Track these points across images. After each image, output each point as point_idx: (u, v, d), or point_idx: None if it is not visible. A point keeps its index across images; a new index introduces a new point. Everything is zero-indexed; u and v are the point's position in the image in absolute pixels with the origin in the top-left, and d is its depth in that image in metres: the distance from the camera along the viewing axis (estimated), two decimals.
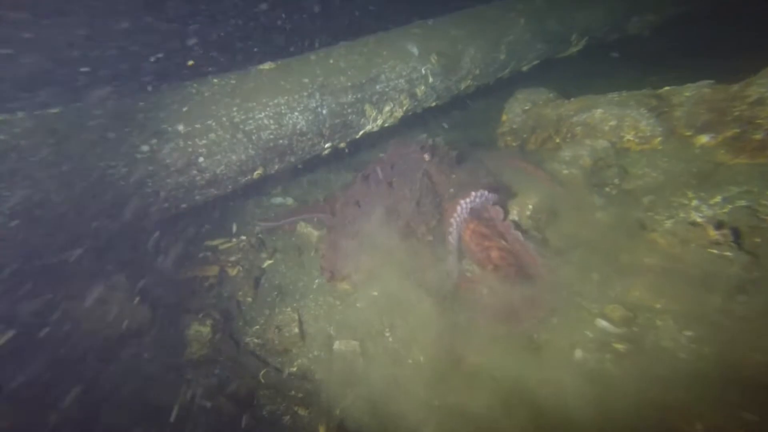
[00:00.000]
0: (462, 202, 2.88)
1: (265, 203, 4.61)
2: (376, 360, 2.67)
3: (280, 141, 3.60)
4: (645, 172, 2.65)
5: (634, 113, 2.81)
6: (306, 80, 3.76)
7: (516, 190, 3.21)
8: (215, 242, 3.95)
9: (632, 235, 2.37)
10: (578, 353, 2.05)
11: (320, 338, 3.02)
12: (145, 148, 3.05)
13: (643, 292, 2.10)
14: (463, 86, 4.70)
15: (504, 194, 3.37)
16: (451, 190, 3.62)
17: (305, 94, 3.70)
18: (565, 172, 2.81)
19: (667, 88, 2.84)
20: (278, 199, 4.64)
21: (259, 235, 3.97)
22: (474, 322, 2.52)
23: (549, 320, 2.27)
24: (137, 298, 3.25)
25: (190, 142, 3.21)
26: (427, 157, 3.76)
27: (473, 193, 2.82)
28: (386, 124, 4.36)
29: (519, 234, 2.50)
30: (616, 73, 5.58)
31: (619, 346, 2.00)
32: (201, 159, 3.27)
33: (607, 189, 2.65)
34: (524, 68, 5.20)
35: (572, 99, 3.56)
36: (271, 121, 3.52)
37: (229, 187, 3.60)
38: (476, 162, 4.09)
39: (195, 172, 3.29)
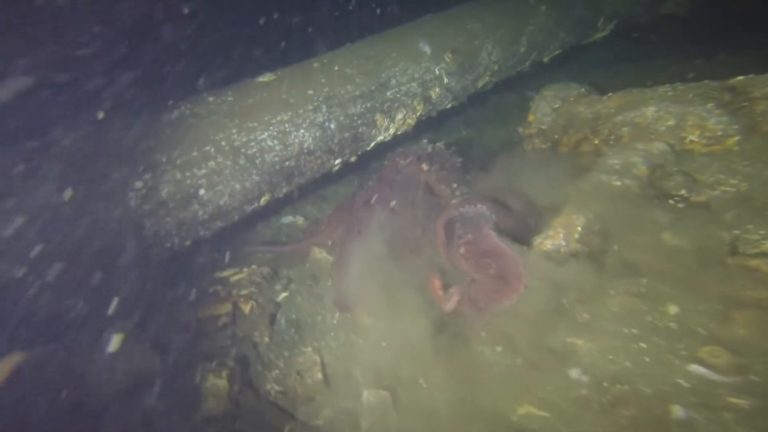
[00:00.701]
0: (440, 222, 2.65)
1: (274, 224, 4.22)
2: (411, 415, 2.27)
3: (287, 163, 3.18)
4: (719, 179, 2.16)
5: (699, 110, 2.31)
6: (310, 92, 3.32)
7: (556, 205, 2.74)
8: (225, 273, 3.57)
9: (718, 260, 1.90)
10: (677, 411, 1.61)
11: (346, 385, 2.63)
12: (138, 184, 2.66)
13: (752, 331, 1.64)
14: (480, 84, 4.20)
15: (532, 211, 2.92)
16: (454, 200, 3.23)
17: (310, 107, 3.27)
18: (617, 183, 2.33)
19: (741, 78, 2.33)
20: (288, 218, 4.24)
21: (269, 265, 3.58)
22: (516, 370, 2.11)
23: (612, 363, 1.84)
24: (146, 345, 2.90)
25: (188, 174, 2.81)
26: (425, 167, 3.35)
27: (459, 209, 2.58)
28: (399, 132, 3.90)
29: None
30: (646, 58, 4.98)
31: (740, 402, 1.54)
32: (202, 191, 2.88)
33: (672, 202, 2.17)
34: (545, 60, 4.65)
35: (609, 94, 3.05)
36: (275, 142, 3.10)
37: (236, 217, 3.21)
38: (491, 170, 3.66)
39: (196, 206, 2.90)
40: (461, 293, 2.61)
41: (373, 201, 3.29)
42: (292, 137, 3.18)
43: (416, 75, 3.76)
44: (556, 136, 3.36)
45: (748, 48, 4.30)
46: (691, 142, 2.34)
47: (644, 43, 5.33)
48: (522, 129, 4.65)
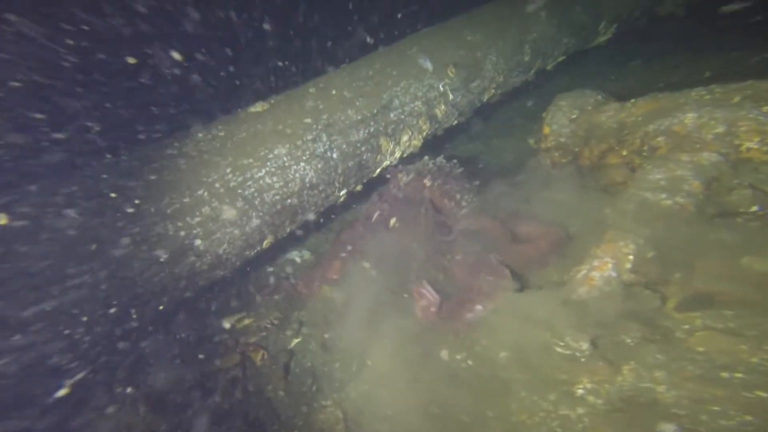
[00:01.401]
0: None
1: (279, 260, 3.86)
2: None
3: (289, 201, 2.84)
4: None
5: (754, 114, 1.97)
6: (308, 120, 3.00)
7: (589, 229, 2.38)
8: (231, 319, 3.21)
9: None
10: None
11: None
12: (124, 241, 2.32)
13: None
14: (486, 97, 3.88)
15: (561, 239, 2.57)
16: (463, 211, 2.95)
17: (309, 137, 2.94)
18: (668, 202, 1.98)
19: None
20: (294, 254, 3.88)
21: (278, 307, 3.21)
22: None
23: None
24: (144, 408, 2.54)
25: (180, 224, 2.48)
26: (427, 182, 3.08)
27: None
28: (405, 155, 3.57)
29: None
30: (651, 59, 4.65)
31: None
32: (197, 242, 2.54)
33: (741, 221, 1.82)
34: (549, 67, 4.34)
35: (633, 101, 2.71)
36: (275, 179, 2.77)
37: (237, 263, 2.87)
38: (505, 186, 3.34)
39: (193, 258, 2.56)
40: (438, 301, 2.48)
41: (373, 219, 3.01)
42: (293, 172, 2.85)
43: (419, 93, 3.44)
44: (576, 149, 3.02)
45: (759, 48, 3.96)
46: (749, 150, 1.99)
47: (647, 44, 5.01)
48: (533, 141, 4.33)
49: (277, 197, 2.79)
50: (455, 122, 3.85)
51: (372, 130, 3.21)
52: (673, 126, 2.24)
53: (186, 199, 2.50)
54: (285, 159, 2.84)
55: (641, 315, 1.77)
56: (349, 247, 3.15)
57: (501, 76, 3.87)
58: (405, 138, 3.42)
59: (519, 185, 3.13)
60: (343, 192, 3.18)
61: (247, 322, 3.21)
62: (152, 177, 2.46)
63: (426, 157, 3.17)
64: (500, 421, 1.90)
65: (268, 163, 2.79)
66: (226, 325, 3.12)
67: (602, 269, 1.91)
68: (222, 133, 2.80)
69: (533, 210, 2.87)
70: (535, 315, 2.32)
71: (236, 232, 2.63)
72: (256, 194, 2.70)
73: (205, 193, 2.55)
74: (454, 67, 3.60)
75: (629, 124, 2.57)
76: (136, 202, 2.34)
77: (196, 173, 2.58)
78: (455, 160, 3.08)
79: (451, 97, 3.60)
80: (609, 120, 2.90)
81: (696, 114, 2.15)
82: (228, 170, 2.66)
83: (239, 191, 2.65)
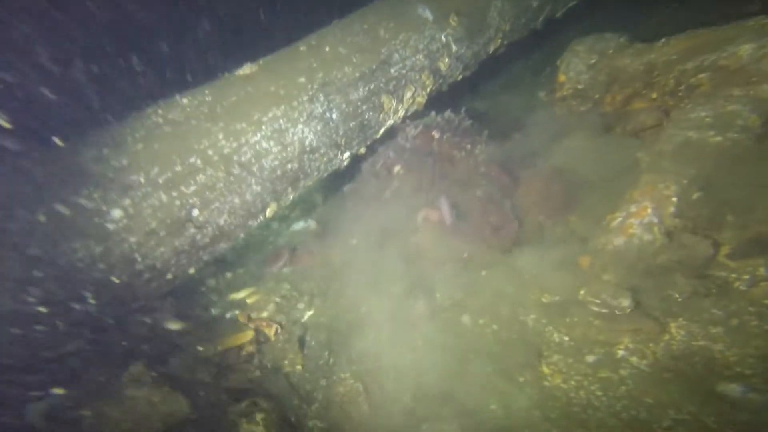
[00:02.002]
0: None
1: (285, 231, 3.63)
2: None
3: (289, 165, 2.58)
4: None
5: None
6: (302, 79, 2.69)
7: (618, 175, 2.09)
8: (241, 294, 3.02)
9: None
10: None
11: (399, 416, 2.06)
12: (116, 213, 2.08)
13: None
14: (492, 48, 3.51)
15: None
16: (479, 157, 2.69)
17: (305, 98, 2.65)
18: (716, 139, 1.69)
19: None
20: (300, 224, 3.65)
21: (287, 280, 3.01)
22: None
23: None
24: (166, 387, 2.37)
25: (174, 193, 2.24)
26: (435, 134, 2.81)
27: None
28: (409, 113, 3.25)
29: None
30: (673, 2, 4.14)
31: None
32: (195, 212, 2.29)
33: None
34: (558, 14, 3.91)
35: (664, 40, 2.36)
36: (272, 143, 2.50)
37: (241, 234, 2.63)
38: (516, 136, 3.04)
39: (193, 230, 2.32)
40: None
41: (378, 167, 2.77)
42: (290, 135, 2.58)
43: (420, 46, 3.09)
44: (597, 96, 2.69)
45: None
46: None
47: None
48: (543, 94, 3.97)
49: (276, 163, 2.53)
50: (460, 77, 3.50)
51: (372, 87, 2.89)
52: (721, 60, 1.92)
53: (178, 168, 2.25)
54: (281, 122, 2.56)
55: (691, 265, 1.53)
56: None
57: (507, 24, 3.48)
58: (408, 95, 3.09)
59: (533, 136, 2.84)
60: (346, 155, 2.91)
61: (257, 297, 3.02)
62: (139, 146, 2.19)
63: (433, 113, 2.87)
64: (532, 386, 1.71)
65: (264, 127, 2.51)
66: (235, 297, 2.93)
67: (641, 215, 1.65)
68: (209, 98, 2.51)
69: (552, 160, 2.59)
70: (559, 272, 2.09)
71: (236, 200, 2.38)
72: (253, 160, 2.44)
73: (198, 161, 2.29)
74: (456, 16, 3.21)
75: (661, 65, 2.25)
76: (124, 171, 2.08)
77: (185, 140, 2.31)
78: (463, 113, 2.79)
79: (454, 48, 3.24)
80: (635, 62, 2.56)
81: (755, 44, 1.82)
82: (220, 136, 2.39)
83: (235, 158, 2.38)
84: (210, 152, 2.35)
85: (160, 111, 2.39)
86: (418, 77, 3.16)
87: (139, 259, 2.24)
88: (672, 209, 1.58)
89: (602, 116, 2.65)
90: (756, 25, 1.96)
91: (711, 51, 1.99)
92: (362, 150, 3.10)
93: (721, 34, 2.07)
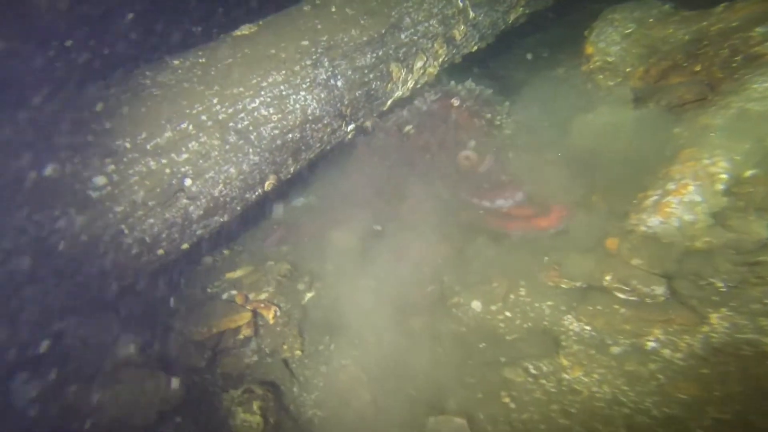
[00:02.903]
0: None
1: (284, 207, 3.42)
2: None
3: (289, 135, 2.36)
4: None
5: None
6: (305, 42, 2.44)
7: (659, 153, 1.86)
8: (237, 273, 2.85)
9: None
10: None
11: (402, 407, 1.91)
12: (100, 180, 1.88)
13: None
14: (512, 17, 3.22)
15: None
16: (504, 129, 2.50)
17: (308, 62, 2.40)
18: None
19: None
20: (300, 200, 3.43)
21: (286, 258, 2.83)
22: None
23: None
24: (159, 372, 2.22)
25: (164, 161, 2.03)
26: (455, 102, 2.60)
27: None
28: (419, 85, 3.00)
29: None
30: None
31: None
32: (188, 182, 2.09)
33: None
34: None
35: (723, 5, 2.10)
36: (271, 110, 2.27)
37: (238, 208, 2.43)
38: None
39: (185, 200, 2.13)
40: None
41: (389, 124, 2.57)
42: (292, 102, 2.34)
43: (434, 10, 2.81)
44: (628, 69, 2.42)
45: None
46: None
47: None
48: (563, 70, 3.68)
49: (276, 131, 2.30)
50: (475, 47, 3.22)
51: (381, 53, 2.64)
52: None
53: (168, 134, 2.03)
54: (282, 87, 2.32)
55: (739, 250, 1.34)
56: None
57: None
58: (419, 64, 2.83)
59: (555, 111, 2.59)
60: (351, 127, 2.67)
61: (255, 277, 2.85)
62: (123, 108, 1.97)
63: (452, 82, 2.65)
64: (549, 379, 1.54)
65: (263, 93, 2.27)
66: (231, 276, 2.76)
67: (681, 192, 1.44)
68: (203, 60, 2.27)
69: (572, 140, 2.37)
70: (581, 255, 1.90)
71: (232, 170, 2.17)
72: (251, 128, 2.21)
73: (190, 127, 2.08)
74: None
75: (713, 33, 1.98)
76: (107, 135, 1.87)
77: (176, 104, 2.09)
78: (483, 85, 2.56)
79: (471, 15, 2.96)
80: (679, 32, 2.29)
81: None
82: (215, 101, 2.16)
83: (230, 124, 2.16)
84: (203, 117, 2.12)
85: (147, 72, 2.15)
86: (430, 45, 2.89)
87: (126, 231, 2.05)
88: (720, 187, 1.38)
89: (633, 91, 2.39)
90: None
91: None
92: (368, 123, 2.88)
93: None
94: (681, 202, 1.57)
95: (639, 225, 1.64)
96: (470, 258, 2.31)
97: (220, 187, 2.24)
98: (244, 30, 2.43)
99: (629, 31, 2.47)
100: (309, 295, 2.61)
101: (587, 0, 4.06)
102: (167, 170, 2.05)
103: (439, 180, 2.41)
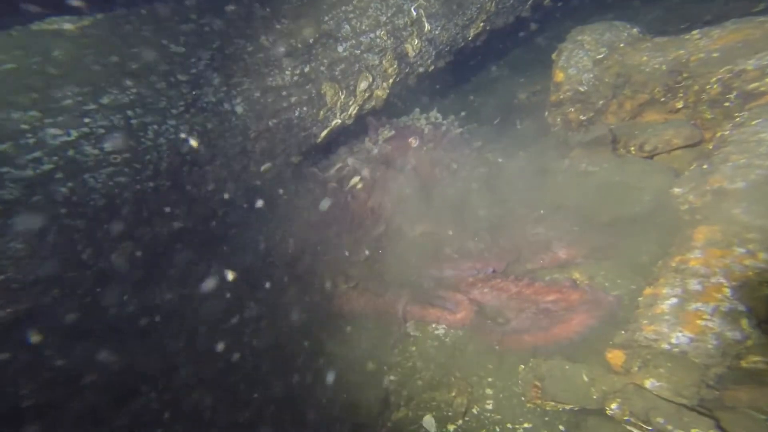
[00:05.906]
0: None
1: None
2: None
3: None
4: None
5: None
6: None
7: (659, 227, 1.29)
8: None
9: None
10: None
11: None
12: None
13: None
14: (472, 33, 2.61)
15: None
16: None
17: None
18: None
19: None
20: None
21: None
22: None
23: None
24: None
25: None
26: (413, 142, 2.02)
27: None
28: (364, 110, 2.30)
29: None
30: None
31: None
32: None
33: None
34: (546, 0, 3.08)
35: (695, 32, 1.64)
36: None
37: None
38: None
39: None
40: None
41: (329, 174, 1.94)
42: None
43: (383, 18, 2.12)
44: (601, 102, 1.91)
45: None
46: None
47: None
48: (524, 96, 3.16)
49: None
50: (431, 68, 2.58)
51: (306, 69, 1.90)
52: None
53: None
54: None
55: None
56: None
57: (492, 2, 2.59)
58: (363, 85, 2.13)
59: (523, 157, 1.99)
60: (267, 166, 1.90)
61: None
62: None
63: (417, 110, 2.01)
64: None
65: None
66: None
67: (715, 297, 0.88)
68: None
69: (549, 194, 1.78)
70: (571, 369, 1.31)
71: None
72: None
73: None
74: None
75: (694, 64, 1.50)
76: None
77: None
78: (453, 118, 1.94)
79: (427, 27, 2.30)
80: (654, 60, 1.81)
81: None
82: None
83: None
84: None
85: None
86: (377, 62, 2.20)
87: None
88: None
89: (609, 130, 1.87)
90: None
91: None
92: (294, 159, 2.13)
93: None
94: (718, 312, 1.03)
95: (660, 342, 1.08)
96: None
97: None
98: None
99: (601, 56, 1.95)
100: None
101: (551, 18, 3.61)
102: None
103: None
